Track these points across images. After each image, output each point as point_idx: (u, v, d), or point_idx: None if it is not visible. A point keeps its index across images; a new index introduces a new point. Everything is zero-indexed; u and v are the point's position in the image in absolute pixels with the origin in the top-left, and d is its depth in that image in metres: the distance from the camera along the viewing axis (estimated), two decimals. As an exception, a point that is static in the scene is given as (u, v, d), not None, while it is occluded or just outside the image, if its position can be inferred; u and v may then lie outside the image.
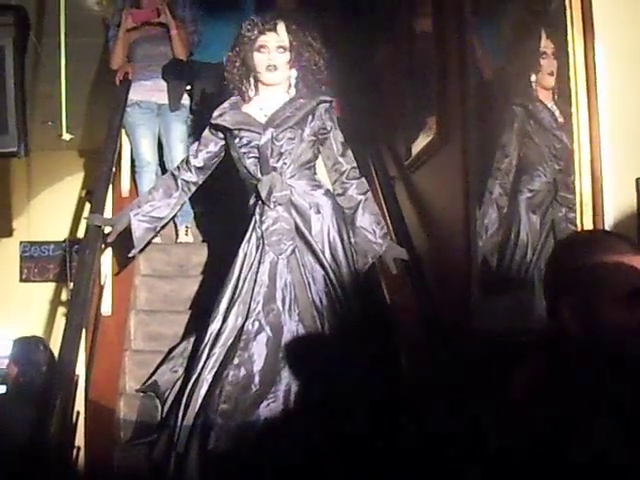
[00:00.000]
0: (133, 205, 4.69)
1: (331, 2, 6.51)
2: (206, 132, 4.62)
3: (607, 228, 2.82)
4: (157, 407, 4.55)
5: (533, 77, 3.39)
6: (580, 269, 1.99)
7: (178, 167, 4.74)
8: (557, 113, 3.24)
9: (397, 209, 5.14)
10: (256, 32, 4.40)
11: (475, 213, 4.02)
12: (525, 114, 3.55)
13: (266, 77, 4.43)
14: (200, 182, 4.69)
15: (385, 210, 5.07)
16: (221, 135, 4.55)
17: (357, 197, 4.49)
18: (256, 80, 4.48)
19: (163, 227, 4.87)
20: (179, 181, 4.63)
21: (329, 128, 4.48)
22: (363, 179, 4.60)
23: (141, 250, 4.76)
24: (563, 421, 1.78)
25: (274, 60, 4.38)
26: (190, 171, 4.61)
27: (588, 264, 1.98)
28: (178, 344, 4.80)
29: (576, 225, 2.98)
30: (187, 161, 4.65)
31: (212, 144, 4.59)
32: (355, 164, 4.58)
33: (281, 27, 4.39)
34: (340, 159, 4.52)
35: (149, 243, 4.81)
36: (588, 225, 2.92)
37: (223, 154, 4.62)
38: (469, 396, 3.62)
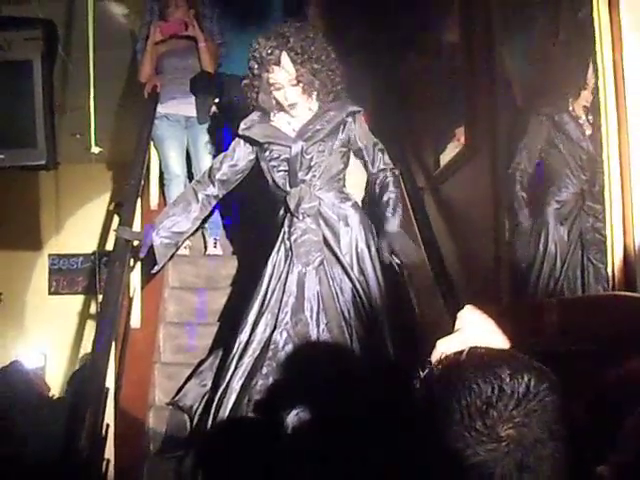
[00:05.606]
0: (155, 221, 4.62)
1: (359, 15, 6.50)
2: (234, 144, 4.55)
3: (637, 239, 2.80)
4: (186, 420, 4.56)
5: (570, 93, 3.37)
6: None
7: (198, 181, 4.69)
8: (585, 125, 3.22)
9: (426, 220, 5.13)
10: (262, 69, 4.24)
11: (504, 224, 4.00)
12: (552, 124, 3.54)
13: (291, 112, 4.35)
14: (221, 196, 4.61)
15: (414, 221, 5.06)
16: (249, 148, 4.48)
17: (391, 194, 4.35)
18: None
19: (184, 241, 4.87)
20: (199, 195, 4.54)
21: (355, 137, 4.39)
22: (398, 186, 4.46)
23: (166, 263, 4.74)
24: None
25: (291, 98, 4.26)
26: (212, 184, 4.54)
27: None
28: (207, 358, 4.80)
29: (603, 236, 2.97)
30: (209, 174, 4.57)
31: (238, 157, 4.51)
32: (391, 165, 4.46)
33: (285, 59, 4.20)
34: (371, 169, 4.43)
35: (172, 257, 4.79)
36: (617, 236, 2.90)
37: (249, 170, 4.56)
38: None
